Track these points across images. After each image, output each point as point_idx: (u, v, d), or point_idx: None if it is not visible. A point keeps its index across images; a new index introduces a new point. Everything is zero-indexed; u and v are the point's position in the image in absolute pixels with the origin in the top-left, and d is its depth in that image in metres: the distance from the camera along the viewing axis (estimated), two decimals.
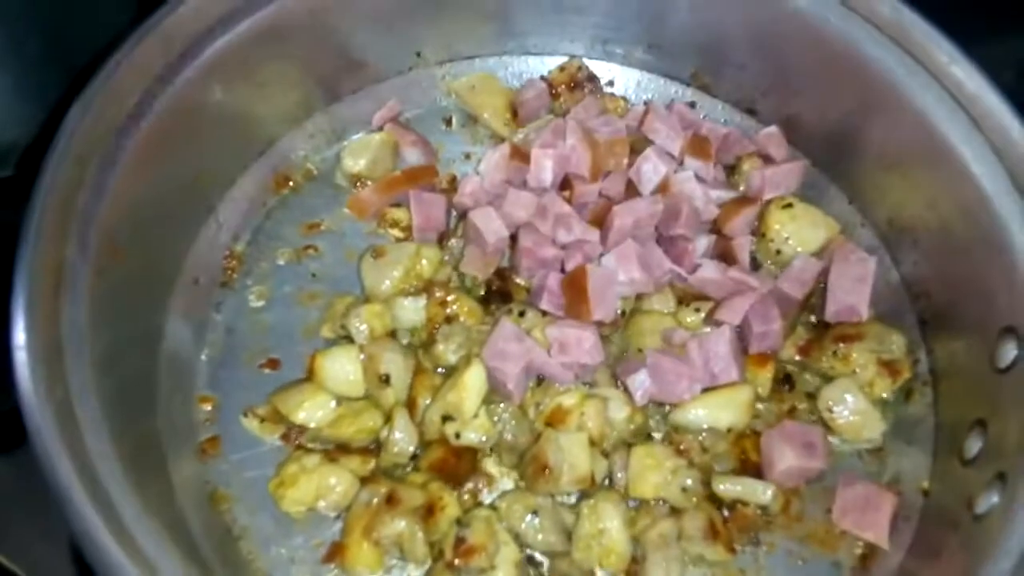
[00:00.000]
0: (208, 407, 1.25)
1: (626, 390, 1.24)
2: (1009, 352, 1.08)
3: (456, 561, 1.08)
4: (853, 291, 1.30)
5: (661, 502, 1.19)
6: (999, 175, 1.14)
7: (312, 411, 1.20)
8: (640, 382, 1.23)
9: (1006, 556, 0.92)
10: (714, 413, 1.23)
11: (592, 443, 1.19)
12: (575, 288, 1.25)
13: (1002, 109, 1.14)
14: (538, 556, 1.16)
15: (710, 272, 1.31)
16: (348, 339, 1.26)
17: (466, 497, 1.18)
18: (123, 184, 1.11)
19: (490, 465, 1.22)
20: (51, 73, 1.28)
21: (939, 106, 1.20)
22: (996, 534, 0.95)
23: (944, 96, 1.19)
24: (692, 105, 1.52)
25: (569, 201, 1.34)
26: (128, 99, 1.13)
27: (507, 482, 1.22)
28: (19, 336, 0.92)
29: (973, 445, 1.11)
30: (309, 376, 1.24)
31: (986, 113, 1.15)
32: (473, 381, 1.16)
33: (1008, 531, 0.93)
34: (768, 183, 1.39)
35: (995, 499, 1.00)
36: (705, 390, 1.24)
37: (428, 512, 1.11)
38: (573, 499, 1.20)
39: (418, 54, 1.51)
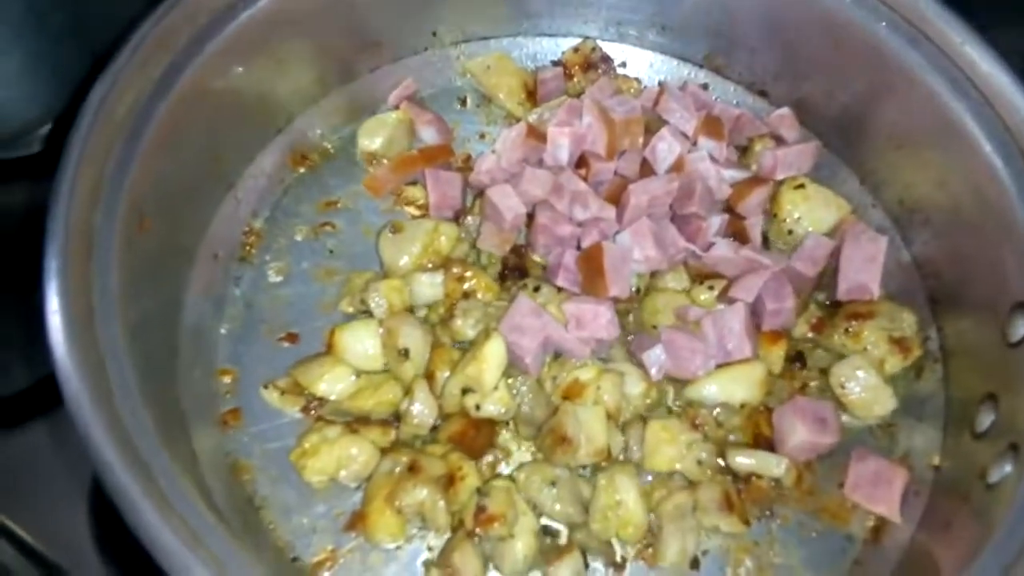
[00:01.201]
0: (228, 380, 1.26)
1: (641, 366, 1.25)
2: (1021, 327, 1.10)
3: (477, 529, 1.09)
4: (864, 270, 1.31)
5: (676, 475, 1.20)
6: (1010, 154, 1.16)
7: (332, 383, 1.22)
8: (655, 358, 1.25)
9: (1021, 521, 0.93)
10: (728, 389, 1.25)
11: (608, 417, 1.20)
12: (591, 265, 1.26)
13: (1013, 89, 1.16)
14: (555, 526, 1.18)
15: (723, 251, 1.32)
16: (366, 314, 1.28)
17: (484, 469, 1.20)
18: (148, 157, 1.12)
19: (507, 438, 1.24)
20: (73, 49, 1.29)
21: (950, 86, 1.22)
22: (1010, 501, 0.97)
23: (956, 76, 1.21)
24: (704, 87, 1.54)
25: (585, 179, 1.36)
26: (152, 73, 1.14)
27: (524, 454, 1.23)
28: (52, 301, 0.93)
29: (985, 419, 1.13)
30: (328, 350, 1.26)
31: (997, 92, 1.17)
32: (493, 353, 1.17)
33: (1021, 496, 0.95)
34: (780, 163, 1.40)
35: (1008, 468, 1.02)
36: (719, 366, 1.26)
37: (449, 482, 1.13)
38: (588, 471, 1.21)
39: (434, 34, 1.52)
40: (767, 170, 1.42)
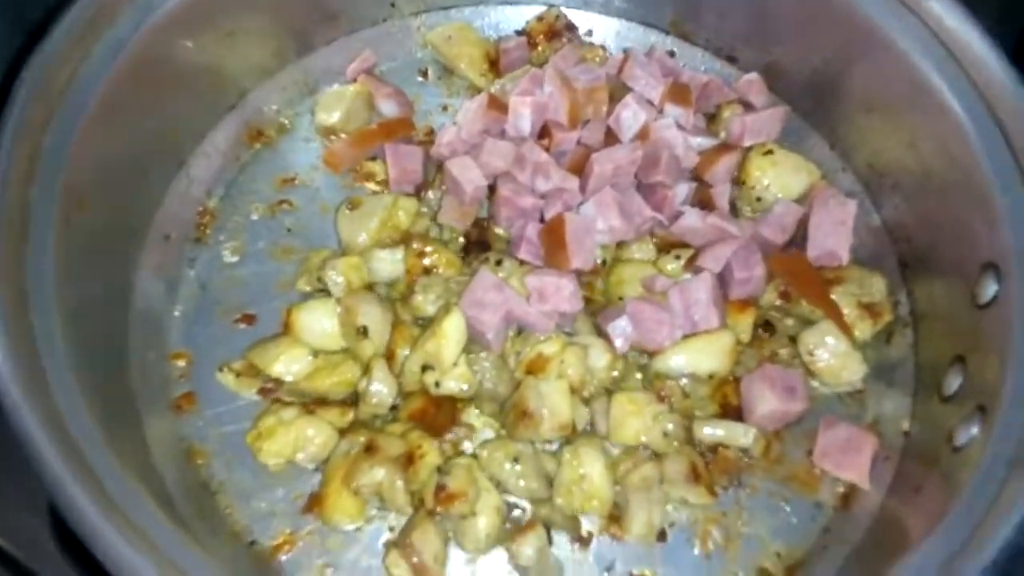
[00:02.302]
0: (182, 363, 1.23)
1: (607, 338, 1.23)
2: (990, 288, 1.08)
3: (437, 508, 1.07)
4: (833, 235, 1.29)
5: (643, 448, 1.18)
6: (979, 113, 1.13)
7: (288, 364, 1.19)
8: (620, 329, 1.22)
9: (987, 481, 0.91)
10: (695, 359, 1.22)
11: (573, 390, 1.18)
12: (553, 237, 1.23)
13: (981, 44, 1.13)
14: (520, 502, 1.16)
15: (691, 220, 1.29)
16: (324, 292, 1.25)
17: (447, 447, 1.18)
18: (88, 134, 1.08)
19: (471, 415, 1.21)
20: (4, 24, 1.24)
21: (919, 44, 1.19)
22: (976, 463, 0.95)
23: (924, 34, 1.18)
24: (672, 54, 1.50)
25: (548, 149, 1.32)
26: (90, 48, 1.10)
27: (488, 432, 1.21)
28: None
29: (953, 382, 1.11)
30: (285, 330, 1.23)
31: (965, 48, 1.14)
32: (452, 329, 1.14)
33: (988, 457, 0.93)
34: (748, 130, 1.37)
35: (975, 430, 1.00)
36: (686, 337, 1.23)
37: (408, 461, 1.10)
38: (555, 446, 1.19)
39: (392, 4, 1.48)
40: (735, 137, 1.39)
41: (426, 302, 1.21)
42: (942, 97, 1.15)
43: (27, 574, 1.10)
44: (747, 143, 1.38)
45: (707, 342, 1.23)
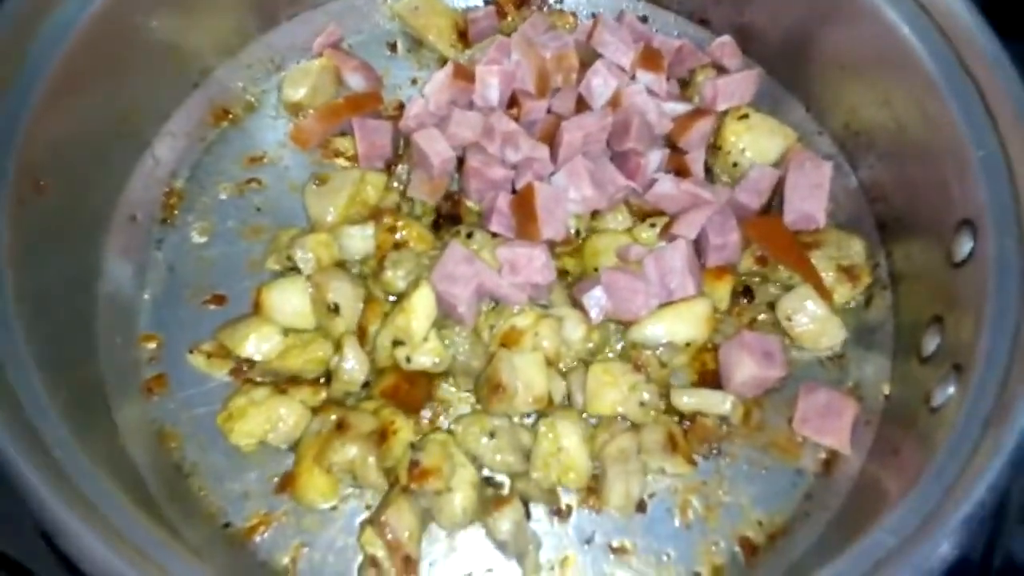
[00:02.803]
0: (152, 346, 1.21)
1: (582, 309, 1.21)
2: (965, 245, 1.06)
3: (411, 485, 1.06)
4: (810, 197, 1.27)
5: (620, 418, 1.17)
6: (951, 68, 1.11)
7: (258, 344, 1.17)
8: (595, 300, 1.20)
9: (963, 440, 0.90)
10: (672, 328, 1.21)
11: (549, 363, 1.16)
12: (524, 207, 1.21)
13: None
14: (497, 477, 1.14)
15: (665, 187, 1.27)
16: (294, 271, 1.22)
17: (424, 423, 1.16)
18: (41, 115, 1.06)
19: (446, 390, 1.20)
20: None
21: (890, 0, 1.16)
22: (952, 422, 0.94)
23: None
24: (644, 19, 1.48)
25: (517, 119, 1.30)
26: (38, 26, 1.07)
27: (464, 407, 1.19)
28: None
29: (931, 342, 1.10)
30: (256, 310, 1.21)
31: (937, 3, 1.11)
32: (421, 303, 1.12)
33: (964, 416, 0.92)
34: (721, 93, 1.35)
35: (951, 390, 0.99)
36: (663, 305, 1.21)
37: (381, 437, 1.09)
38: (532, 420, 1.18)
39: None
40: (708, 101, 1.36)
41: (396, 277, 1.19)
42: (914, 53, 1.13)
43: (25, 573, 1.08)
44: (720, 107, 1.36)
45: (683, 310, 1.21)
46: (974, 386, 0.94)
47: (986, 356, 0.95)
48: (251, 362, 1.18)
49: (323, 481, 1.08)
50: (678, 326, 1.21)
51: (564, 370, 1.20)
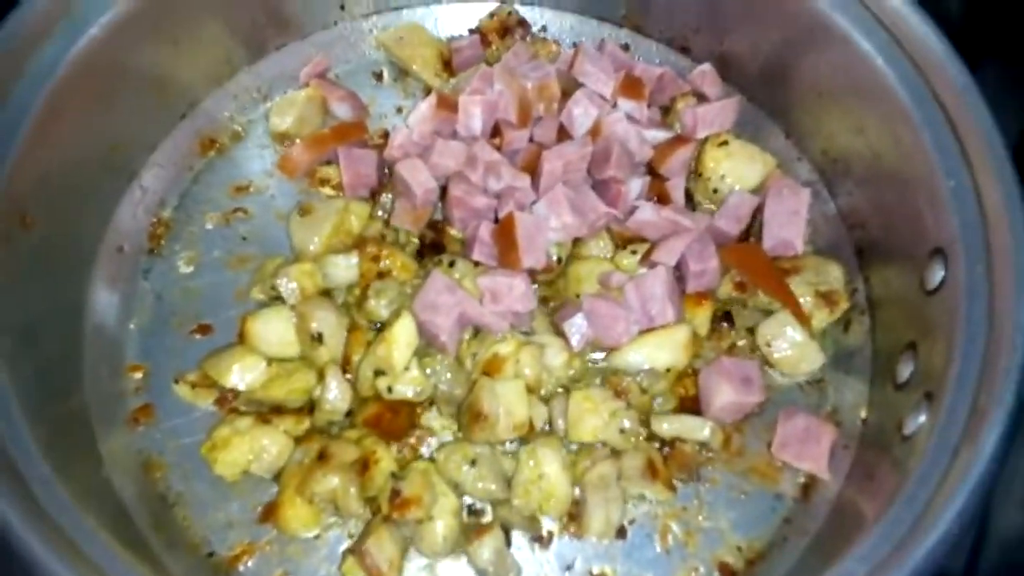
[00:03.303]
0: (139, 375, 1.23)
1: (564, 336, 1.22)
2: (937, 273, 1.07)
3: (393, 514, 1.07)
4: (788, 224, 1.29)
5: (601, 445, 1.18)
6: (922, 96, 1.13)
7: (242, 374, 1.18)
8: (577, 327, 1.22)
9: (933, 468, 0.91)
10: (652, 354, 1.22)
11: (530, 390, 1.18)
12: (505, 236, 1.23)
13: (924, 28, 1.12)
14: (479, 504, 1.15)
15: (646, 214, 1.29)
16: (279, 300, 1.24)
17: (405, 452, 1.17)
18: (27, 149, 1.08)
19: (430, 419, 1.21)
20: None
21: (863, 29, 1.19)
22: (923, 451, 0.95)
23: (868, 18, 1.18)
24: (626, 47, 1.50)
25: (499, 148, 1.32)
26: (24, 61, 1.09)
27: (448, 435, 1.20)
28: None
29: (905, 369, 1.11)
30: (240, 340, 1.22)
31: (909, 33, 1.14)
32: (402, 333, 1.14)
33: (934, 445, 0.93)
34: (701, 121, 1.36)
35: (922, 419, 1.00)
36: (643, 332, 1.23)
37: (363, 467, 1.10)
38: (514, 447, 1.19)
39: (342, 7, 1.47)
40: (688, 129, 1.38)
41: (379, 306, 1.21)
42: (886, 82, 1.15)
43: None
44: (700, 134, 1.37)
45: (664, 337, 1.22)
46: (944, 414, 0.95)
47: (956, 383, 0.96)
48: (236, 392, 1.19)
49: (305, 511, 1.09)
50: (658, 352, 1.22)
51: (545, 397, 1.21)
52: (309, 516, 1.09)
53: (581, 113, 1.34)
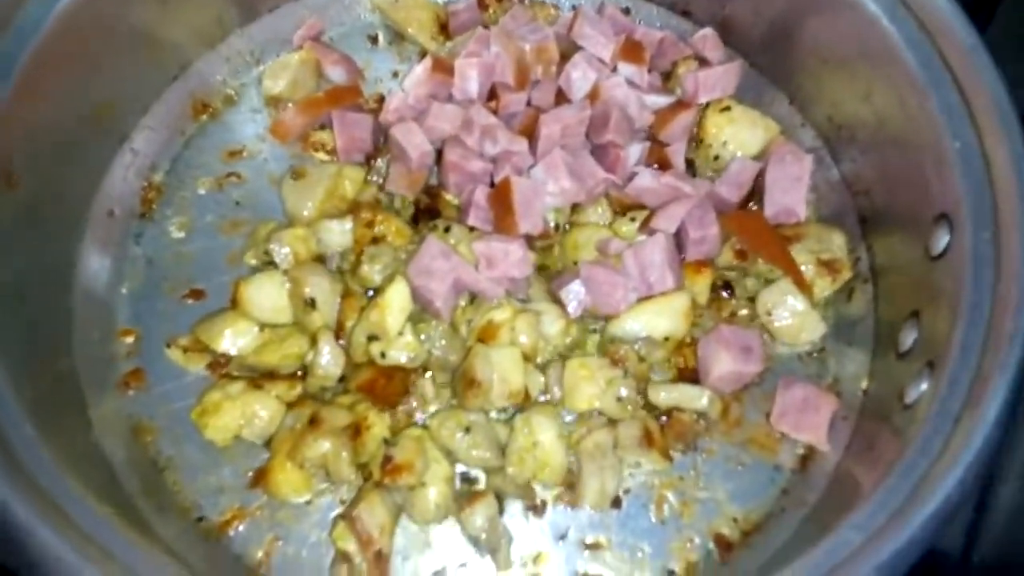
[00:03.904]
0: (130, 340, 1.21)
1: (560, 303, 1.21)
2: (942, 239, 1.05)
3: (384, 480, 1.06)
4: (790, 191, 1.26)
5: (597, 414, 1.16)
6: (929, 60, 1.10)
7: (234, 339, 1.17)
8: (574, 294, 1.20)
9: (934, 437, 0.89)
10: (651, 322, 1.20)
11: (526, 357, 1.16)
12: (501, 201, 1.20)
13: None
14: (473, 472, 1.14)
15: (645, 180, 1.26)
16: (272, 265, 1.22)
17: (399, 418, 1.16)
18: (12, 108, 1.05)
19: (425, 385, 1.19)
20: None
21: None
22: (924, 418, 0.93)
23: None
24: (626, 11, 1.46)
25: (496, 112, 1.29)
26: (8, 16, 1.06)
27: (442, 402, 1.19)
28: None
29: (908, 337, 1.09)
30: (233, 305, 1.20)
31: None
32: (395, 298, 1.12)
33: (935, 413, 0.91)
34: (702, 86, 1.33)
35: (924, 386, 0.98)
36: (642, 299, 1.21)
37: (355, 433, 1.09)
38: (509, 415, 1.17)
39: None
40: (689, 94, 1.35)
41: (373, 272, 1.19)
42: (894, 46, 1.12)
43: None
44: (701, 99, 1.35)
45: (662, 304, 1.20)
46: (946, 382, 0.93)
47: (960, 349, 0.94)
48: (228, 357, 1.18)
49: (296, 476, 1.08)
50: (657, 320, 1.20)
51: (541, 364, 1.20)
52: (300, 481, 1.08)
53: (579, 77, 1.31)
